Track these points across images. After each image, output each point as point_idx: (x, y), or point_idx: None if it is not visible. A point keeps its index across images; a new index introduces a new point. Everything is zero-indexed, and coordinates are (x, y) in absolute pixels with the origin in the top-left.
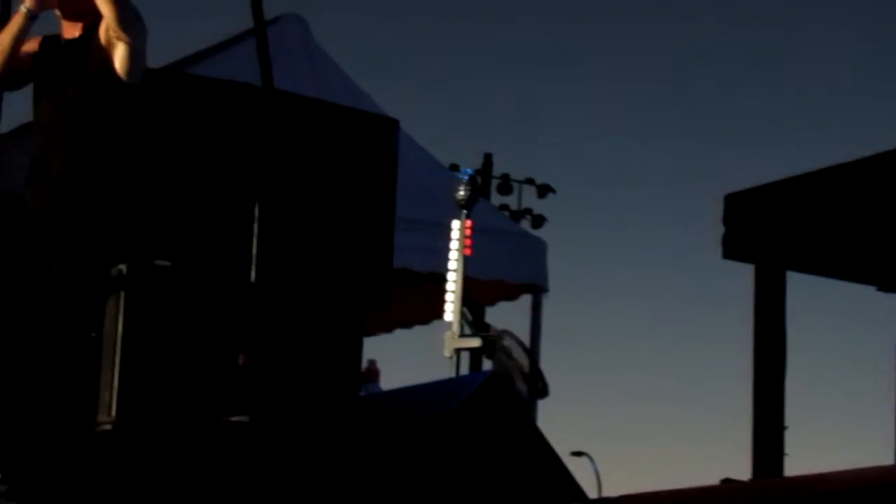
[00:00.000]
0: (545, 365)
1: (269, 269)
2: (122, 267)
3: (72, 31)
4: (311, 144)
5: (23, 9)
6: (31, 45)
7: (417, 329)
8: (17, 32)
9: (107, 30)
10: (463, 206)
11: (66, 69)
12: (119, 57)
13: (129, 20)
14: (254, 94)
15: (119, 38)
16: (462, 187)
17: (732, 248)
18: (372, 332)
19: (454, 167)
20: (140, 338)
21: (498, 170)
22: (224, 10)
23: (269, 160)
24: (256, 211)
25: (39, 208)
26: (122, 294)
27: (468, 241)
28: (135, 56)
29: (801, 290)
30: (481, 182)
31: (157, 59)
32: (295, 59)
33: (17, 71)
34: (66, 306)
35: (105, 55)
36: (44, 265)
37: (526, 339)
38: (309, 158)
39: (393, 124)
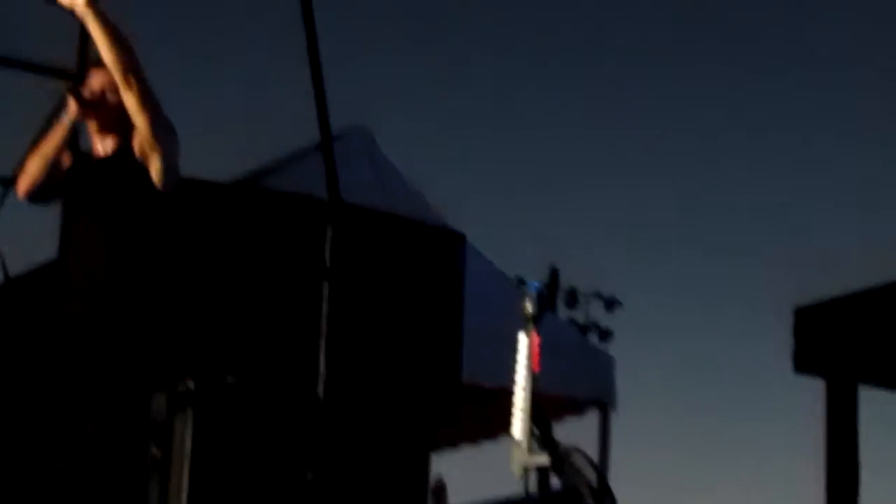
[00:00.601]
0: (614, 481)
1: (336, 383)
2: (190, 383)
3: (105, 144)
4: (379, 258)
5: (66, 120)
6: (64, 160)
7: (485, 445)
8: (60, 143)
9: (141, 141)
10: (531, 320)
11: (101, 183)
12: (154, 167)
13: (163, 131)
14: (321, 207)
15: (153, 150)
16: (530, 301)
17: (803, 362)
18: (439, 448)
19: (521, 281)
20: (208, 455)
21: (564, 283)
22: (292, 123)
23: (337, 274)
24: (324, 325)
25: (80, 320)
26: (190, 411)
27: (536, 356)
28: (169, 166)
29: (874, 405)
30: (548, 295)
31: (226, 172)
32: (362, 170)
33: (51, 183)
34: (123, 422)
35: (140, 166)
36: (93, 385)
37: (594, 455)
38: (376, 272)
39: (459, 238)
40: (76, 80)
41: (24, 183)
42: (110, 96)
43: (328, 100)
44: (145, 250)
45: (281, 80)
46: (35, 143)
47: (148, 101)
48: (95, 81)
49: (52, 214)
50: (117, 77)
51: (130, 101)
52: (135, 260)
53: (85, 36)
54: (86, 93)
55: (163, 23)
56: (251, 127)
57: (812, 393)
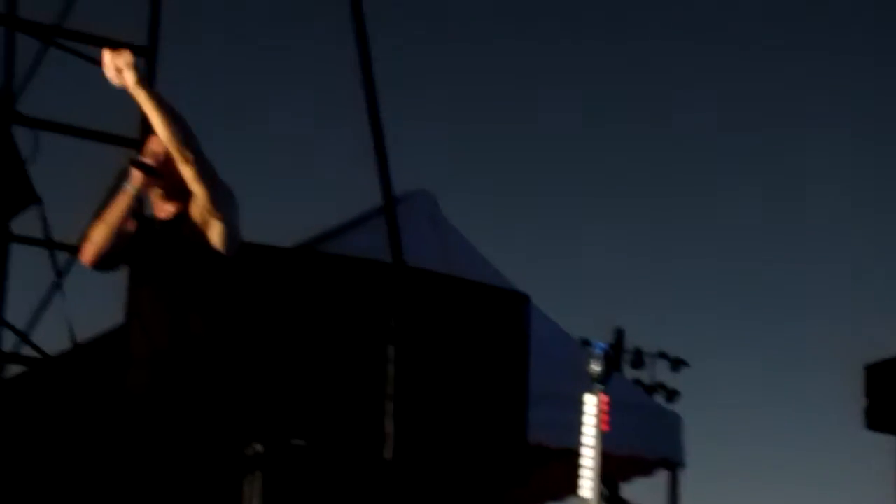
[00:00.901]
0: None
1: (403, 446)
2: (258, 446)
3: (167, 208)
4: (443, 321)
5: (129, 189)
6: (129, 226)
7: None
8: (125, 211)
9: (200, 209)
10: (598, 381)
11: (163, 249)
12: (215, 233)
13: (222, 198)
14: (384, 270)
15: (213, 217)
16: (596, 361)
17: (875, 420)
18: None
19: (585, 342)
20: None
21: (630, 344)
22: (355, 187)
23: (401, 337)
24: (390, 387)
25: (144, 389)
26: (259, 474)
27: (605, 416)
28: (230, 231)
29: None
30: (614, 356)
31: (290, 237)
32: (425, 234)
33: (116, 250)
34: (192, 490)
35: (200, 231)
36: (159, 455)
37: None
38: (440, 335)
39: (524, 299)
40: (138, 147)
41: (90, 251)
42: (171, 162)
43: (390, 164)
44: (209, 315)
45: (344, 145)
46: (99, 210)
47: (204, 172)
48: (156, 146)
49: (120, 280)
50: (173, 151)
51: (187, 173)
52: (198, 325)
53: None
54: (147, 159)
55: (227, 88)
56: (314, 192)
57: (883, 451)
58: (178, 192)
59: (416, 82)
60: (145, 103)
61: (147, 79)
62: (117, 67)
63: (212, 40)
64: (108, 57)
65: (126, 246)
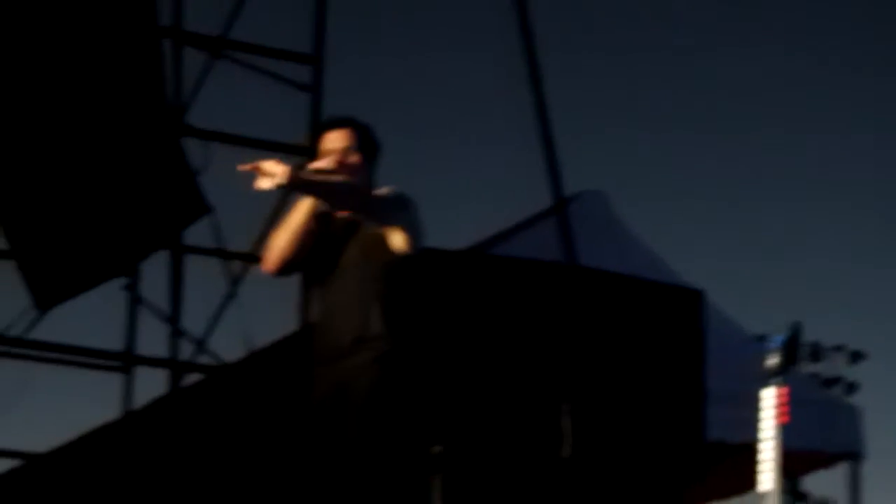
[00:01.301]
0: None
1: (581, 444)
2: (438, 448)
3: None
4: (617, 319)
5: (309, 206)
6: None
7: (733, 501)
8: (307, 215)
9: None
10: (775, 374)
11: (343, 248)
12: (395, 237)
13: (399, 213)
14: (557, 271)
15: (393, 227)
16: (773, 355)
17: None
18: None
19: (761, 337)
20: None
21: (807, 337)
22: (526, 188)
23: (576, 336)
24: (566, 387)
25: (332, 389)
26: (440, 475)
27: (784, 409)
28: (410, 233)
29: None
30: (791, 350)
31: (461, 239)
32: (597, 234)
33: (301, 255)
34: (379, 491)
35: (380, 232)
36: (345, 458)
37: None
38: (616, 333)
39: (698, 296)
40: (308, 155)
41: (273, 258)
42: (346, 164)
43: (561, 164)
44: (390, 316)
45: (514, 146)
46: (274, 218)
47: (381, 211)
48: (330, 145)
49: (292, 286)
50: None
51: (363, 216)
52: (378, 325)
53: (315, 116)
54: (322, 162)
55: (395, 94)
56: (486, 194)
57: None
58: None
59: (590, 83)
60: (308, 194)
61: (299, 172)
62: (268, 173)
63: (376, 48)
64: (259, 168)
65: (308, 248)
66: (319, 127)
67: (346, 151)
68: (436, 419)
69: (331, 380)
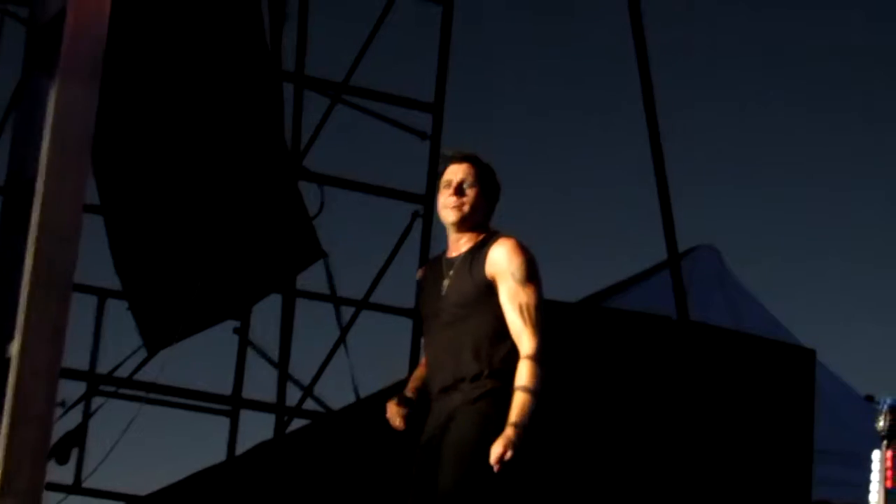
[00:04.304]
0: None
1: (689, 500)
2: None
3: (459, 245)
4: (728, 375)
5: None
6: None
7: None
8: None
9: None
10: (884, 437)
11: (452, 290)
12: (505, 288)
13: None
14: (669, 326)
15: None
16: (882, 417)
17: None
18: None
19: (870, 398)
20: None
21: None
22: (640, 242)
23: (687, 391)
24: (676, 441)
25: (438, 430)
26: None
27: (891, 473)
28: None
29: None
30: None
31: (575, 292)
32: (709, 289)
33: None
34: None
35: (488, 275)
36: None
37: None
38: (726, 389)
39: (810, 355)
40: (425, 203)
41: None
42: (469, 193)
43: (675, 219)
44: (496, 363)
45: (629, 201)
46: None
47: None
48: (452, 175)
49: (404, 333)
50: None
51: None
52: (476, 368)
53: (434, 165)
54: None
55: (512, 144)
56: (602, 246)
57: None
58: (472, 227)
59: (705, 137)
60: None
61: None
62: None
63: (494, 97)
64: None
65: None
66: (444, 158)
67: (463, 184)
68: (538, 471)
69: (432, 421)
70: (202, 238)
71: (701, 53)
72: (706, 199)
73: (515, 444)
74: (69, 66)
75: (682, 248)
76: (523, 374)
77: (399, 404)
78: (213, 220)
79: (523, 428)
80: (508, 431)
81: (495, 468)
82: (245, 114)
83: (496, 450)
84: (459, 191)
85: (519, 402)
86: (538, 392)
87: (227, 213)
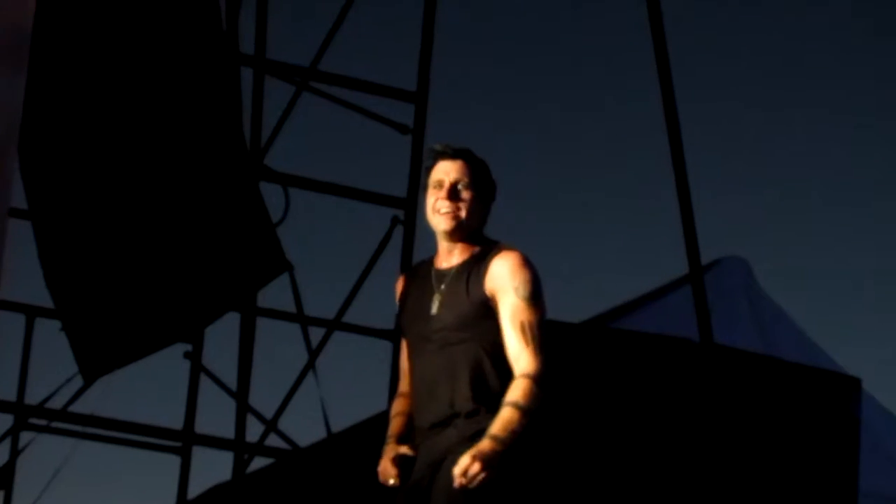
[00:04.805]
0: None
1: None
2: None
3: (451, 258)
4: (759, 406)
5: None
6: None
7: None
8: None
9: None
10: None
11: (444, 308)
12: (507, 305)
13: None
14: (690, 349)
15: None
16: None
17: None
18: None
19: None
20: None
21: None
22: (655, 254)
23: (709, 424)
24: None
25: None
26: None
27: None
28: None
29: None
30: None
31: (583, 311)
32: (737, 307)
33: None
34: None
35: (487, 292)
36: None
37: None
38: (757, 421)
39: (854, 384)
40: (406, 207)
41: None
42: (465, 196)
43: (698, 229)
44: (496, 396)
45: (648, 210)
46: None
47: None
48: (443, 175)
49: (383, 359)
50: None
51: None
52: (485, 409)
53: (416, 163)
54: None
55: (496, 139)
56: (613, 259)
57: None
58: (465, 237)
59: (727, 145)
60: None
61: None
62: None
63: (480, 85)
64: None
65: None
66: (430, 154)
67: (458, 185)
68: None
69: (420, 461)
70: (147, 247)
71: (740, 56)
72: (732, 204)
73: (489, 462)
74: None
75: (705, 260)
76: (516, 390)
77: (395, 464)
78: (161, 227)
79: (503, 445)
80: (483, 443)
81: (456, 482)
82: (197, 103)
83: (463, 460)
84: (454, 194)
85: (504, 417)
86: (531, 411)
87: (176, 218)
